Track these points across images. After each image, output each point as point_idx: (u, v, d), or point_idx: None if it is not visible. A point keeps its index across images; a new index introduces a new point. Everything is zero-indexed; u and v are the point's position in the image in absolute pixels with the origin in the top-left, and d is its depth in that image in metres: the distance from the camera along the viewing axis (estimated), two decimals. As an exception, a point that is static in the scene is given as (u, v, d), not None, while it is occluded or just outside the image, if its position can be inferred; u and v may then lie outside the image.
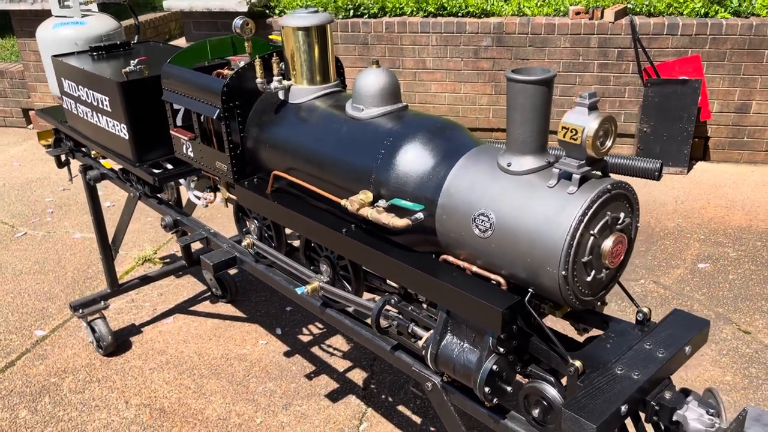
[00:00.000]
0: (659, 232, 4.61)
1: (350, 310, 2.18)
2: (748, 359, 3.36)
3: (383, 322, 1.92)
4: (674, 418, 1.51)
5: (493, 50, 5.68)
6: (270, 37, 2.50)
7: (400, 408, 3.15)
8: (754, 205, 4.93)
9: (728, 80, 5.38)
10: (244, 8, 5.92)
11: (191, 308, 3.96)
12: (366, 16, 5.90)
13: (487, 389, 1.64)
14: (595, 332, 1.87)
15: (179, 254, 4.35)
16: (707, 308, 3.76)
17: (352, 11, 5.90)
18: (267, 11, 6.25)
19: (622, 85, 5.57)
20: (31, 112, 6.92)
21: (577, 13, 5.45)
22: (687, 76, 5.33)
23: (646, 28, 5.35)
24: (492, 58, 5.72)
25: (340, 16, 5.93)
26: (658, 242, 4.47)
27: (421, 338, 1.82)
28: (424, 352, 1.79)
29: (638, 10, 5.49)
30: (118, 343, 3.61)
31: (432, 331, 1.77)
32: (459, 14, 5.75)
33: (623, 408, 1.46)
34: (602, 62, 5.53)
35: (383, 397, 3.21)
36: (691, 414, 1.50)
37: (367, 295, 2.16)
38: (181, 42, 6.84)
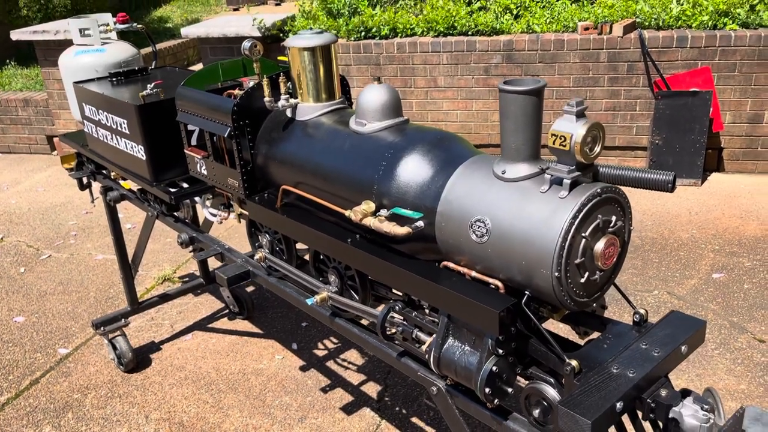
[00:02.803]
0: (673, 243, 4.61)
1: (364, 322, 2.24)
2: (764, 368, 3.35)
3: (389, 329, 1.97)
4: (670, 415, 1.54)
5: (504, 67, 5.76)
6: (279, 57, 2.60)
7: (414, 420, 3.18)
8: (769, 215, 4.91)
9: (739, 91, 5.39)
10: (258, 33, 6.09)
11: (209, 325, 4.05)
12: (377, 37, 6.03)
13: (487, 390, 1.68)
14: (596, 335, 1.91)
15: (198, 273, 4.45)
16: (722, 318, 3.75)
17: (363, 33, 6.03)
18: (281, 35, 6.41)
19: (633, 99, 5.60)
20: (54, 139, 7.13)
21: (586, 29, 5.52)
22: (697, 87, 5.35)
23: (655, 41, 5.39)
24: (503, 75, 5.80)
25: (353, 39, 6.07)
26: (672, 253, 4.47)
27: (424, 343, 1.87)
28: (427, 356, 1.84)
29: (647, 24, 5.54)
30: (139, 359, 3.70)
31: (434, 336, 1.83)
32: (469, 33, 5.85)
33: (618, 405, 1.50)
34: (612, 76, 5.58)
35: (397, 409, 3.25)
36: (687, 411, 1.53)
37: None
38: (198, 67, 7.03)
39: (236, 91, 2.43)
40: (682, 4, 5.53)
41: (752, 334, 3.60)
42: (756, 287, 4.02)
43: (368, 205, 1.89)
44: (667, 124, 5.43)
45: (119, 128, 2.97)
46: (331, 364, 3.62)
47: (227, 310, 4.15)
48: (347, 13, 6.30)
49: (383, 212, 1.85)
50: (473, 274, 1.76)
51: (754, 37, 5.22)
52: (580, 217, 1.53)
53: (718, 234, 4.69)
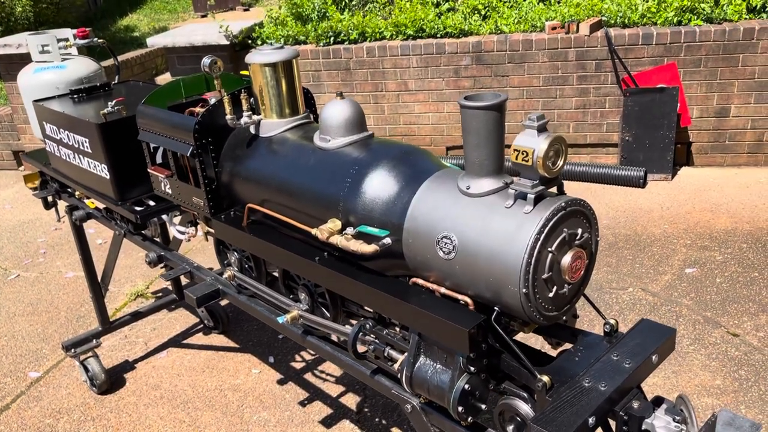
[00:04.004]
0: (646, 239, 4.65)
1: (333, 337, 2.21)
2: (738, 362, 3.38)
3: (360, 348, 1.95)
4: (643, 427, 1.54)
5: (473, 68, 5.76)
6: (242, 72, 2.56)
7: (394, 430, 3.16)
8: (738, 208, 4.97)
9: (705, 86, 5.46)
10: (226, 42, 6.02)
11: (184, 341, 3.98)
12: (347, 42, 5.99)
13: (460, 408, 1.66)
14: (569, 346, 1.90)
15: (171, 288, 4.38)
16: (696, 313, 3.79)
17: (332, 38, 5.99)
18: (249, 42, 6.35)
19: (602, 96, 5.64)
20: (21, 154, 6.99)
21: (553, 28, 5.54)
22: (664, 83, 5.41)
23: (621, 39, 5.43)
24: (473, 77, 5.80)
25: (322, 44, 6.03)
26: (645, 249, 4.51)
27: (396, 361, 1.85)
28: (399, 375, 1.82)
29: (612, 22, 5.58)
30: (112, 380, 3.63)
31: (406, 354, 1.81)
32: (438, 35, 5.84)
33: (591, 420, 1.49)
34: (581, 74, 5.61)
35: (377, 420, 3.22)
36: (659, 422, 1.52)
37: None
38: (166, 77, 6.93)
39: (198, 109, 2.39)
40: (648, 2, 5.58)
41: (726, 329, 3.64)
42: (728, 281, 4.07)
43: (334, 223, 1.86)
44: (636, 120, 5.48)
45: (81, 147, 2.90)
46: (308, 376, 3.58)
47: (202, 325, 4.10)
48: (316, 18, 6.25)
49: (349, 230, 1.83)
50: (442, 290, 1.74)
51: (718, 32, 5.28)
52: (545, 231, 1.52)
53: (689, 228, 4.74)
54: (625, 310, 3.79)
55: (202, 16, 10.92)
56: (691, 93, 5.49)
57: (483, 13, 6.08)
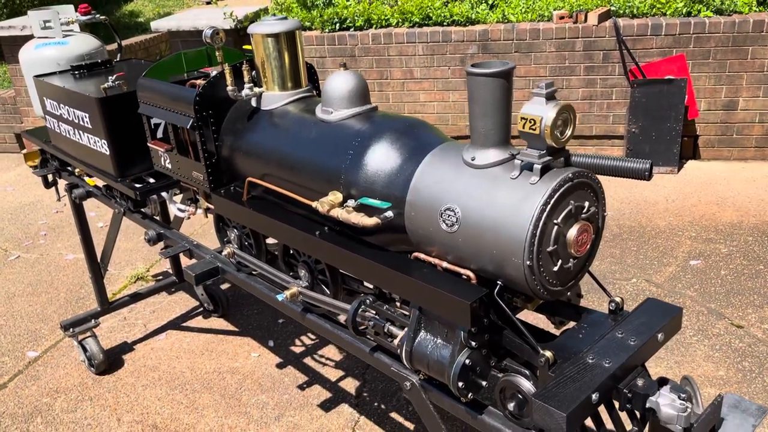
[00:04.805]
0: (650, 231, 4.60)
1: (341, 318, 2.17)
2: (741, 353, 3.34)
3: (361, 324, 1.91)
4: (647, 405, 1.50)
5: (480, 57, 5.71)
6: (244, 46, 2.52)
7: (393, 415, 3.13)
8: (744, 201, 4.92)
9: (714, 78, 5.40)
10: (230, 25, 5.98)
11: (183, 324, 3.96)
12: (352, 28, 5.95)
13: (460, 384, 1.63)
14: (572, 325, 1.86)
15: (171, 271, 4.35)
16: (699, 304, 3.75)
17: (338, 24, 5.95)
18: (254, 28, 6.30)
19: (609, 87, 5.59)
20: (22, 132, 6.98)
21: (561, 18, 5.49)
22: (672, 75, 5.35)
23: (629, 29, 5.38)
24: (478, 66, 5.74)
25: (327, 30, 5.98)
26: (650, 241, 4.46)
27: (396, 337, 1.82)
28: (399, 350, 1.79)
29: (621, 12, 5.52)
30: (110, 361, 3.60)
31: (406, 329, 1.77)
32: (444, 23, 5.79)
33: (594, 396, 1.45)
34: (588, 65, 5.55)
35: (376, 404, 3.19)
36: (664, 400, 1.49)
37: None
38: (171, 62, 6.88)
39: (199, 82, 2.35)
40: (657, -8, 5.52)
41: (730, 320, 3.60)
42: (732, 273, 4.02)
43: (335, 196, 1.83)
44: (643, 112, 5.43)
45: (81, 122, 2.87)
46: (308, 360, 3.55)
47: (202, 309, 4.07)
48: (321, 4, 6.21)
49: (351, 203, 1.79)
50: (444, 264, 1.70)
51: (728, 24, 5.22)
52: (551, 203, 1.48)
53: (694, 221, 4.69)
54: (628, 301, 3.75)
55: (207, 3, 10.86)
56: (700, 85, 5.44)
57: (490, 2, 6.02)
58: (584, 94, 5.66)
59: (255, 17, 6.29)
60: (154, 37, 7.68)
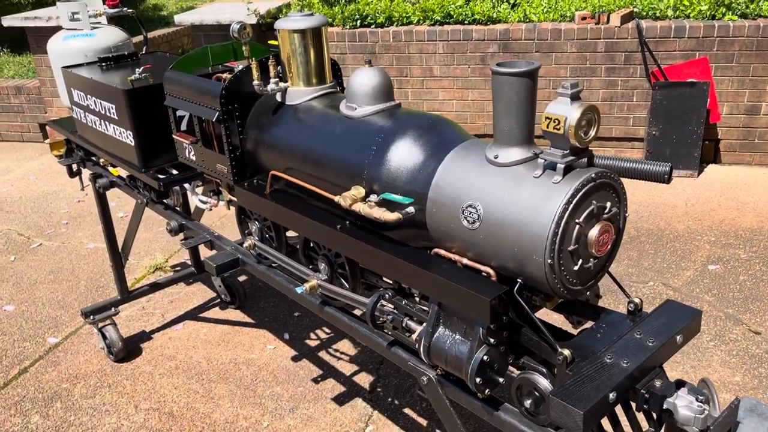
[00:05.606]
0: (669, 234, 4.58)
1: (357, 312, 2.20)
2: (758, 359, 3.32)
3: (379, 318, 1.93)
4: (664, 406, 1.51)
5: (500, 57, 5.70)
6: (269, 42, 2.55)
7: (407, 411, 3.15)
8: (765, 207, 4.88)
9: (737, 82, 5.35)
10: (253, 20, 6.02)
11: (201, 315, 4.00)
12: (373, 25, 5.96)
13: (478, 380, 1.65)
14: (590, 325, 1.87)
15: (190, 262, 4.40)
16: (717, 309, 3.73)
17: (359, 21, 5.97)
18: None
19: (630, 89, 5.56)
20: (48, 122, 7.08)
21: (583, 18, 5.46)
22: (695, 78, 5.31)
23: (652, 31, 5.34)
24: (499, 65, 5.74)
25: (348, 26, 6.00)
26: (668, 244, 4.44)
27: (414, 332, 1.83)
28: (417, 345, 1.80)
29: (644, 13, 5.49)
30: (129, 349, 3.66)
31: (425, 324, 1.79)
32: (465, 22, 5.79)
33: (611, 395, 1.46)
34: (609, 66, 5.53)
35: (389, 400, 3.21)
36: (681, 402, 1.50)
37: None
38: (193, 56, 6.94)
39: (225, 75, 2.38)
40: (681, -6, 5.48)
41: (747, 326, 3.58)
42: (751, 279, 4.00)
43: (358, 191, 1.85)
44: (664, 114, 5.39)
45: (108, 113, 2.91)
46: (323, 354, 3.58)
47: (219, 300, 4.11)
48: (343, 0, 6.23)
49: (373, 198, 1.81)
50: (465, 261, 1.72)
51: (752, 28, 5.17)
52: (573, 202, 1.49)
53: (714, 225, 4.66)
54: (645, 304, 3.69)
55: (230, -1, 10.92)
56: (722, 89, 5.39)
57: (512, 1, 6.01)
58: (605, 96, 5.64)
59: (277, 13, 6.32)
60: (177, 30, 7.75)
